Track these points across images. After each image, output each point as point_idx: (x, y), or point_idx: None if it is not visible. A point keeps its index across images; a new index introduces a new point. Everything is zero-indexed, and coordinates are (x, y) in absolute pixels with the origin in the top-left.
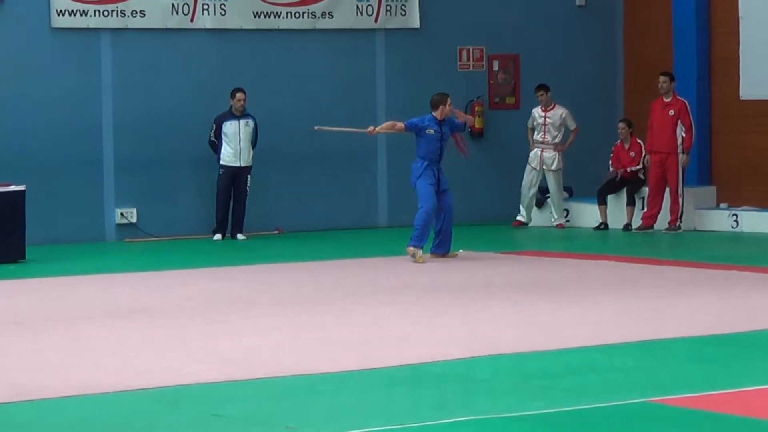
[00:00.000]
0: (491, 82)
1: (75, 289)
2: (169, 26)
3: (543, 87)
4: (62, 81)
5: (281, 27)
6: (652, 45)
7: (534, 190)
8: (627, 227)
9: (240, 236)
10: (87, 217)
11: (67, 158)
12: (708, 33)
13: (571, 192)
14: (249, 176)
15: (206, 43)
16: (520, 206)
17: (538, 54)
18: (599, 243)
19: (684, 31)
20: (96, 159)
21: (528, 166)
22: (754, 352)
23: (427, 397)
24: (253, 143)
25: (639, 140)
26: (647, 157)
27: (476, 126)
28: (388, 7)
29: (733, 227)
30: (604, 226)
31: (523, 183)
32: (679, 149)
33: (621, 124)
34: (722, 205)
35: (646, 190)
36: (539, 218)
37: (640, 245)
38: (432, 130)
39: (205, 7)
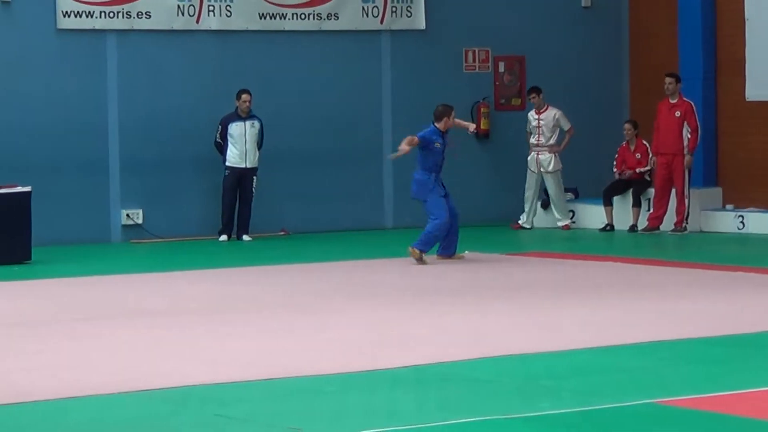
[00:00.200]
0: (497, 83)
1: (81, 290)
2: (174, 27)
3: (535, 89)
4: (68, 82)
5: (287, 28)
6: (658, 46)
7: (531, 193)
8: (633, 228)
9: (246, 237)
10: (93, 218)
11: (72, 159)
12: (714, 34)
13: (576, 193)
14: (255, 177)
15: (212, 44)
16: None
17: (544, 55)
18: (605, 244)
19: (690, 33)
20: (102, 160)
21: (528, 170)
22: (761, 354)
23: (432, 398)
24: (259, 144)
25: (645, 141)
26: (654, 158)
27: (482, 127)
28: (394, 9)
29: (739, 228)
30: (609, 228)
31: (525, 187)
32: (685, 150)
33: (627, 125)
34: (728, 206)
35: (652, 191)
36: (545, 220)
37: (646, 246)
38: (438, 144)
39: (211, 8)
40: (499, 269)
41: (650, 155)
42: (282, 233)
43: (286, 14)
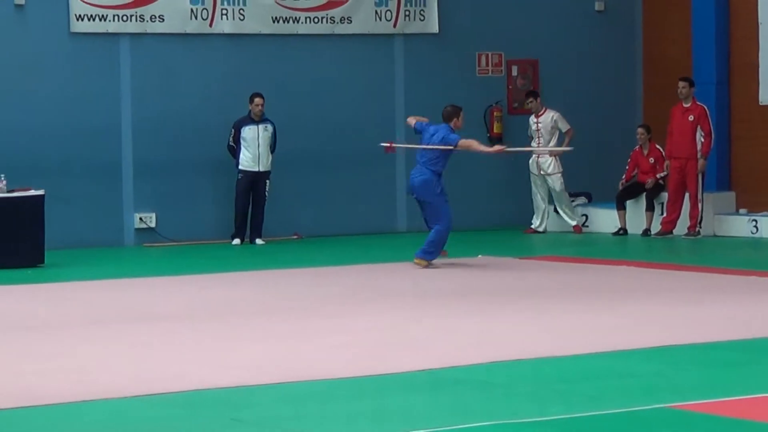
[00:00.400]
0: (510, 87)
1: (93, 293)
2: (187, 31)
3: (532, 94)
4: (81, 85)
5: (300, 32)
6: (672, 50)
7: (539, 197)
8: (646, 233)
9: (259, 241)
10: (106, 222)
11: (86, 163)
12: (727, 38)
13: (589, 197)
14: (268, 181)
15: (225, 47)
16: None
17: (557, 59)
18: (618, 248)
19: (703, 37)
20: (115, 163)
21: (531, 174)
22: None
23: (445, 402)
24: (272, 148)
25: (658, 146)
26: (668, 163)
27: (495, 131)
28: (407, 13)
29: (752, 233)
30: (623, 232)
31: (532, 191)
32: (699, 154)
33: (640, 130)
34: (742, 210)
35: (665, 195)
36: (558, 224)
37: (659, 251)
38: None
39: (224, 12)
40: (511, 273)
41: (665, 160)
42: (295, 237)
43: (299, 18)
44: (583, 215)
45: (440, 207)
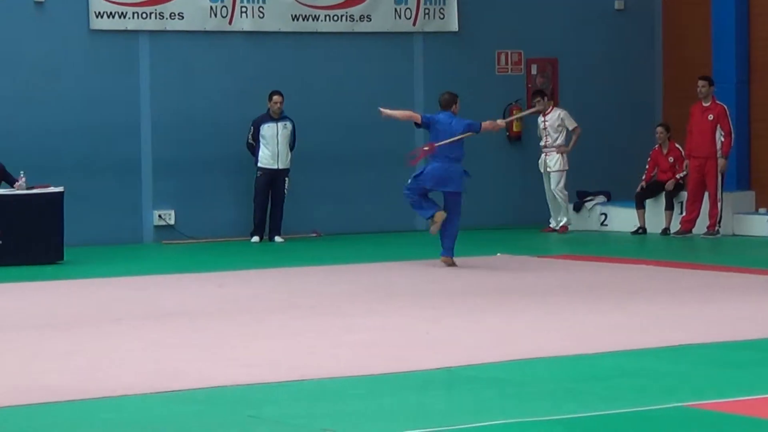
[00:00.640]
0: (529, 85)
1: (112, 290)
2: (207, 28)
3: (539, 93)
4: (100, 83)
5: (319, 30)
6: (692, 49)
7: (551, 195)
8: (665, 232)
9: (278, 239)
10: (125, 219)
11: (105, 160)
12: (747, 38)
13: (609, 196)
14: (287, 179)
15: (244, 45)
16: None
17: (577, 58)
18: (637, 247)
19: (723, 36)
20: (134, 161)
21: (542, 173)
22: None
23: (462, 401)
24: (291, 146)
25: (677, 145)
26: (687, 162)
27: (514, 130)
28: (427, 11)
29: None
30: (642, 231)
31: (545, 190)
32: (718, 154)
33: (659, 129)
34: (761, 210)
35: (684, 194)
36: (577, 222)
37: (678, 250)
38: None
39: (244, 9)
40: (529, 272)
41: (684, 159)
42: (314, 234)
43: (319, 16)
44: (602, 214)
45: (461, 200)
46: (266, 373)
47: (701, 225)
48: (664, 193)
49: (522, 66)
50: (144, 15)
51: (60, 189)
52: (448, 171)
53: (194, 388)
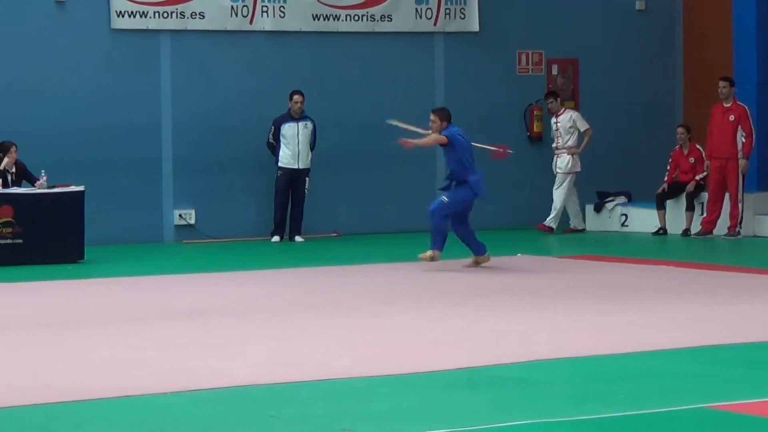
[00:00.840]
0: (550, 86)
1: (132, 290)
2: (228, 28)
3: (551, 94)
4: (121, 82)
5: (340, 30)
6: (712, 50)
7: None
8: (686, 232)
9: (298, 238)
10: (145, 218)
11: (126, 159)
12: None
13: (629, 197)
14: (307, 178)
15: (265, 45)
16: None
17: (597, 58)
18: (658, 248)
19: (744, 37)
20: (155, 160)
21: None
22: None
23: (485, 400)
24: (312, 145)
25: (698, 146)
26: (708, 163)
27: (535, 130)
28: (448, 11)
29: None
30: (662, 231)
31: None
32: (739, 155)
33: (680, 129)
34: None
35: (705, 195)
36: (597, 223)
37: (698, 251)
38: None
39: (265, 9)
40: (550, 272)
41: (705, 160)
42: (334, 234)
43: (340, 15)
44: (623, 215)
45: None
46: (288, 373)
47: (722, 226)
48: (684, 194)
49: (543, 66)
50: (165, 14)
51: (81, 188)
52: (478, 178)
53: (214, 388)
